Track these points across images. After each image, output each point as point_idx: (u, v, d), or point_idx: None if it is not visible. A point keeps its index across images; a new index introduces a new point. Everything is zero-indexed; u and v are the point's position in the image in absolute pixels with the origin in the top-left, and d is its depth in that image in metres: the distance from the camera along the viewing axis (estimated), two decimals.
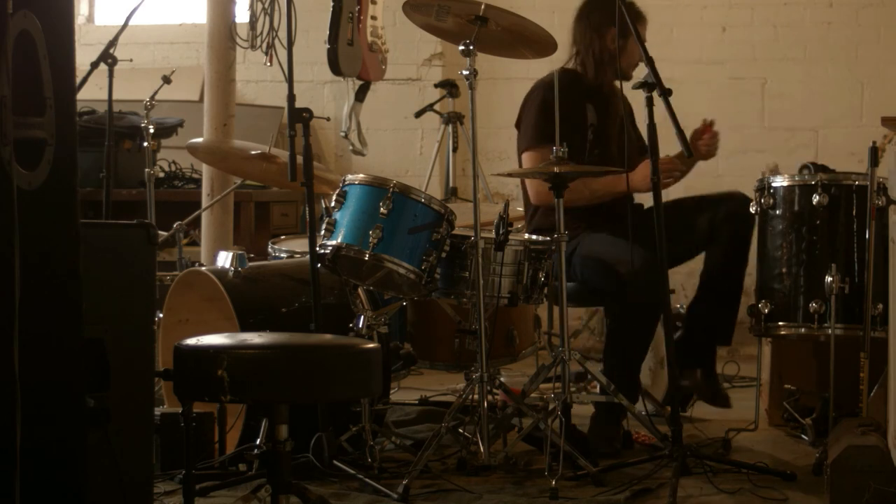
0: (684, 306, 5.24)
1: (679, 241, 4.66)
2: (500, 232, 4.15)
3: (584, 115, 4.77)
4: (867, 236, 4.26)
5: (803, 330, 4.50)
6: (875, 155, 4.21)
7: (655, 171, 4.04)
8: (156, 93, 5.38)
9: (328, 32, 5.13)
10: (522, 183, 4.93)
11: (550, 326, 4.98)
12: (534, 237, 4.51)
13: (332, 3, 5.14)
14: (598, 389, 4.77)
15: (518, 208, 5.29)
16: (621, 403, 4.29)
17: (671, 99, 4.01)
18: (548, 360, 4.40)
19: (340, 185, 4.19)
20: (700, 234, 4.79)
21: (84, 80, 4.89)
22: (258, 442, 3.93)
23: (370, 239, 4.03)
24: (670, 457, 3.92)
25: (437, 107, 6.62)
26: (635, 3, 4.79)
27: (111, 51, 5.06)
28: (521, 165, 4.84)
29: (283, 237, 5.17)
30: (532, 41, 4.49)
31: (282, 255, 4.85)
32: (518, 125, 4.91)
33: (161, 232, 4.30)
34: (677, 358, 4.20)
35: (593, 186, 4.69)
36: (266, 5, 5.68)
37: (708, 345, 4.88)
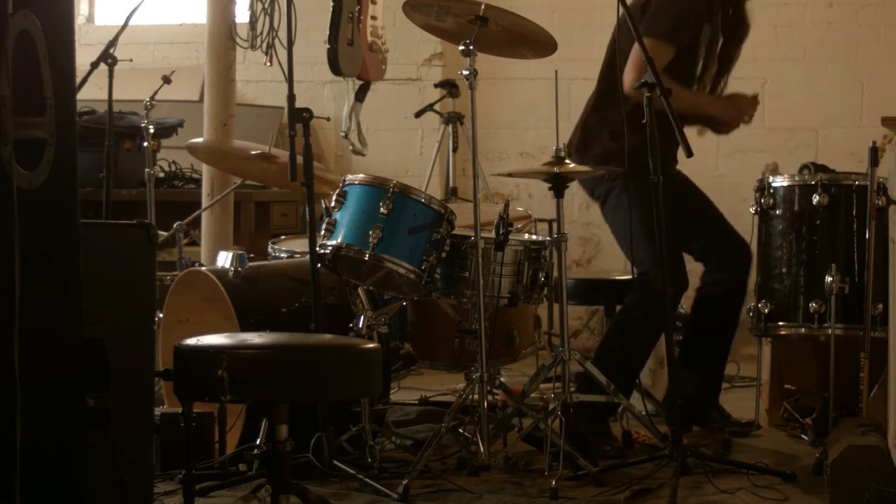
0: (683, 306, 5.25)
1: (684, 233, 4.66)
2: (500, 232, 4.15)
3: (700, 29, 4.66)
4: (867, 236, 4.26)
5: (803, 330, 4.50)
6: (875, 155, 4.21)
7: (656, 170, 4.03)
8: (156, 93, 5.38)
9: (328, 32, 5.13)
10: (612, 56, 4.56)
11: (550, 326, 4.98)
12: (534, 237, 4.51)
13: (332, 3, 5.14)
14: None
15: (518, 208, 5.29)
16: (612, 403, 4.30)
17: (671, 99, 4.01)
18: (548, 360, 4.40)
19: (340, 185, 4.19)
20: (702, 249, 4.81)
21: (84, 80, 4.89)
22: (258, 442, 3.93)
23: (370, 239, 4.04)
24: (670, 457, 3.92)
25: (437, 107, 6.62)
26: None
27: (111, 51, 5.06)
28: (627, 52, 4.45)
29: (283, 237, 5.17)
30: (532, 41, 4.49)
31: (282, 255, 4.85)
32: (646, 5, 4.61)
33: (161, 232, 4.30)
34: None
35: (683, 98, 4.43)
36: (266, 5, 5.68)
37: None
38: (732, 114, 4.73)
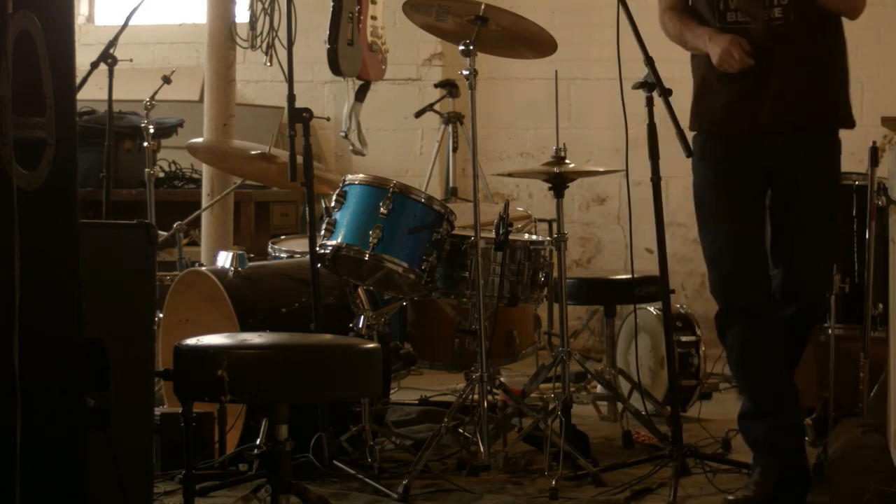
0: (683, 306, 5.26)
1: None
2: (500, 232, 4.15)
3: None
4: (867, 236, 4.26)
5: None
6: (875, 155, 4.21)
7: (656, 171, 4.02)
8: (156, 93, 5.37)
9: (328, 32, 5.13)
10: None
11: (550, 326, 4.98)
12: (534, 237, 4.51)
13: (332, 3, 5.14)
14: (597, 389, 4.79)
15: (518, 208, 5.29)
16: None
17: (671, 99, 4.00)
18: (548, 360, 4.40)
19: (340, 185, 4.20)
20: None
21: (84, 80, 4.89)
22: (258, 442, 3.93)
23: (370, 239, 4.04)
24: (670, 457, 3.92)
25: (437, 107, 6.62)
26: None
27: (111, 51, 5.06)
28: None
29: (283, 237, 5.17)
30: (532, 41, 4.49)
31: (282, 255, 4.85)
32: None
33: (161, 232, 4.30)
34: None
35: (685, 38, 3.92)
36: (266, 5, 5.68)
37: None
38: (716, 58, 3.77)
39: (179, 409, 3.25)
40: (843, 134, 3.92)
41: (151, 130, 5.35)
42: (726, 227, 3.82)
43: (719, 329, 3.87)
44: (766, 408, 3.79)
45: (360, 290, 4.29)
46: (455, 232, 4.19)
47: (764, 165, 3.81)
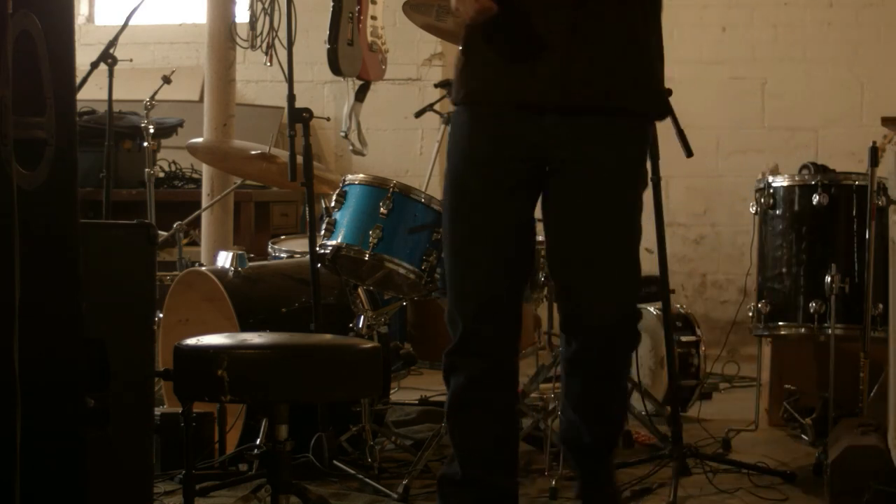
0: (683, 306, 5.26)
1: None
2: None
3: None
4: (867, 236, 4.26)
5: (803, 330, 4.50)
6: (875, 155, 4.21)
7: (656, 171, 4.03)
8: (156, 93, 5.38)
9: (328, 32, 5.12)
10: None
11: (550, 326, 4.98)
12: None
13: (332, 3, 5.13)
14: None
15: None
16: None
17: (671, 99, 4.00)
18: (548, 360, 4.39)
19: (340, 185, 4.20)
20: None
21: (84, 80, 4.89)
22: (258, 442, 3.93)
23: (370, 239, 4.03)
24: (670, 457, 3.92)
25: (437, 107, 6.61)
26: None
27: (111, 51, 5.06)
28: None
29: (283, 237, 5.17)
30: None
31: (282, 255, 4.85)
32: None
33: (161, 232, 4.30)
34: None
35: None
36: (266, 5, 5.69)
37: None
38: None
39: (179, 409, 3.24)
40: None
41: (151, 130, 5.36)
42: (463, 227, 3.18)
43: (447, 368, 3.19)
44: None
45: (360, 290, 4.29)
46: None
47: (530, 150, 3.08)
